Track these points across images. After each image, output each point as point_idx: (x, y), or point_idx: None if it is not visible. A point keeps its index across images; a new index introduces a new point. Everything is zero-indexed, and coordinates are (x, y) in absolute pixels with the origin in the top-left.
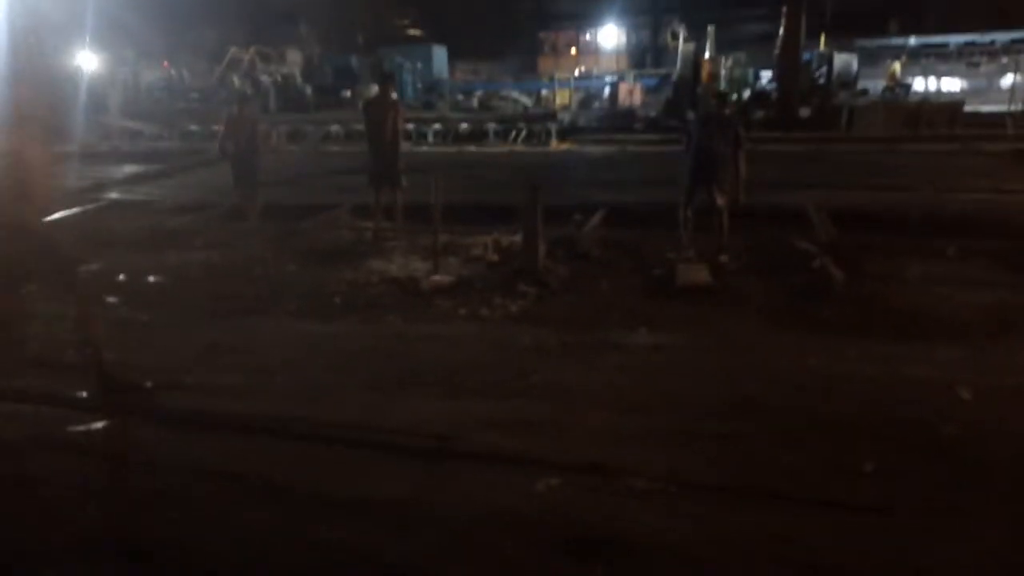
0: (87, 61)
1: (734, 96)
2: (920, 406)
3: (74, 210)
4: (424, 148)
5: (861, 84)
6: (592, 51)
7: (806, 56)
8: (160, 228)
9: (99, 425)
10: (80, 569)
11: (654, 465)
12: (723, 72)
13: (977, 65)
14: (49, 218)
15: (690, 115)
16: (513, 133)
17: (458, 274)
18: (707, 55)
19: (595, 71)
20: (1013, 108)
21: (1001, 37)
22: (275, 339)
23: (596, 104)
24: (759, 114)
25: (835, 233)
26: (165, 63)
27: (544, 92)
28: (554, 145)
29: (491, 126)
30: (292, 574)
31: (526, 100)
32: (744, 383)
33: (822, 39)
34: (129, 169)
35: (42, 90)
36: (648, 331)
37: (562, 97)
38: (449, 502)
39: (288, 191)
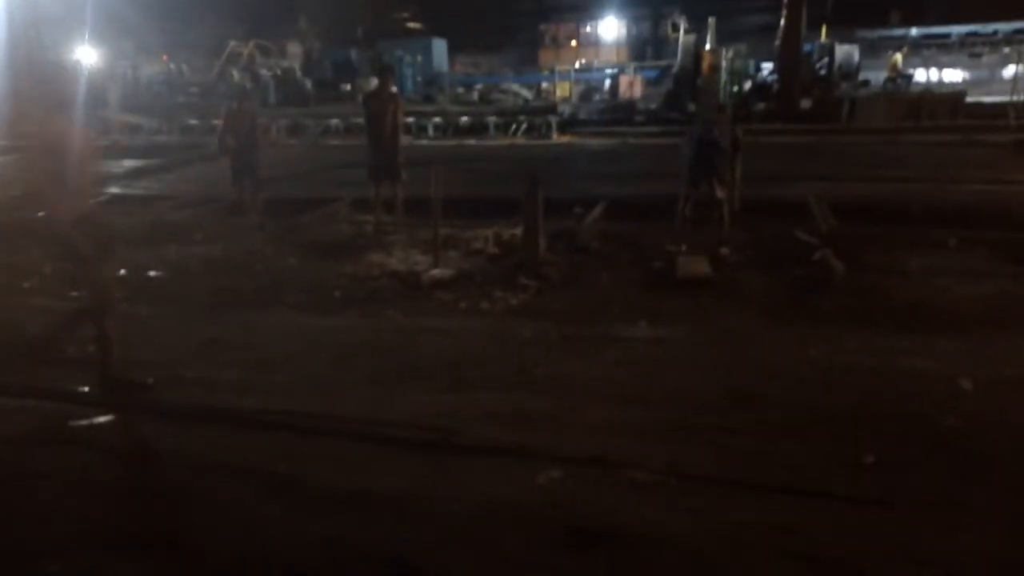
0: (86, 55)
1: (735, 88)
2: (921, 398)
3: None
4: (424, 141)
5: (862, 75)
6: (592, 43)
7: (807, 47)
8: (160, 223)
9: (101, 420)
10: (82, 562)
11: (655, 458)
12: (724, 64)
13: (979, 56)
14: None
15: (691, 107)
16: (513, 126)
17: (458, 268)
18: (708, 47)
19: (595, 63)
20: (1015, 99)
21: (1003, 27)
22: (275, 333)
23: (597, 97)
24: (760, 106)
25: (836, 225)
26: (164, 57)
27: (544, 85)
28: (555, 138)
29: (491, 119)
30: (293, 567)
31: (526, 93)
32: (744, 375)
33: (823, 30)
34: (128, 163)
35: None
36: (648, 324)
37: (562, 90)
38: (450, 495)
39: (288, 185)
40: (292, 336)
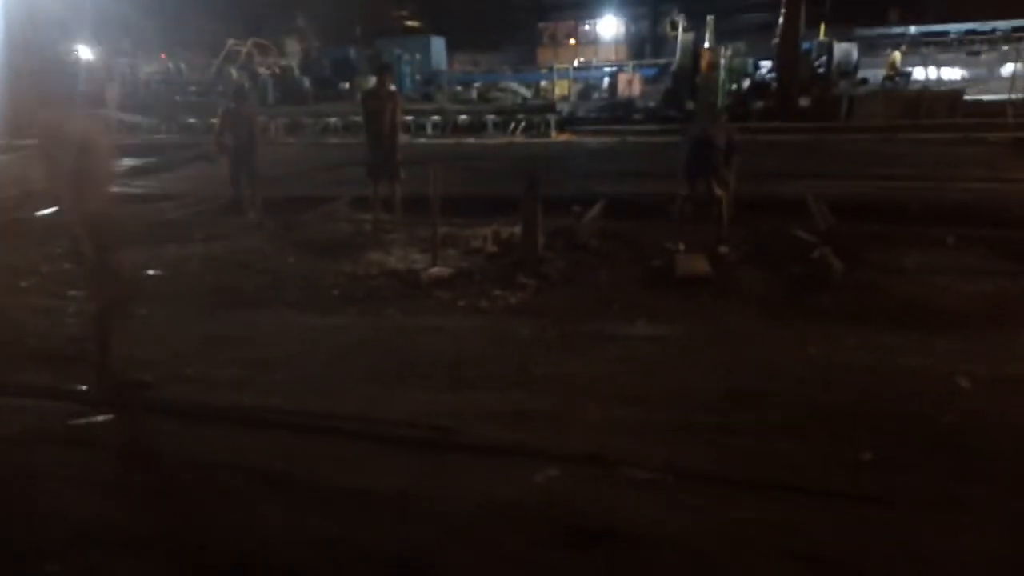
0: (84, 54)
1: (734, 86)
2: (920, 396)
3: None
4: (422, 140)
5: (861, 73)
6: (591, 41)
7: (806, 45)
8: (159, 221)
9: (100, 418)
10: (82, 562)
11: (654, 456)
12: (722, 62)
13: (978, 54)
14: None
15: (690, 105)
16: (512, 124)
17: (457, 266)
18: (706, 45)
19: (594, 62)
20: (1014, 97)
21: (1002, 25)
22: (274, 332)
23: (595, 95)
24: (758, 104)
25: (834, 223)
26: (163, 56)
27: (543, 83)
28: (553, 136)
29: (490, 117)
30: (291, 566)
31: (525, 91)
32: (743, 374)
33: (822, 28)
34: (127, 162)
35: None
36: (647, 322)
37: (561, 88)
38: (449, 494)
39: (287, 184)
40: (291, 335)
